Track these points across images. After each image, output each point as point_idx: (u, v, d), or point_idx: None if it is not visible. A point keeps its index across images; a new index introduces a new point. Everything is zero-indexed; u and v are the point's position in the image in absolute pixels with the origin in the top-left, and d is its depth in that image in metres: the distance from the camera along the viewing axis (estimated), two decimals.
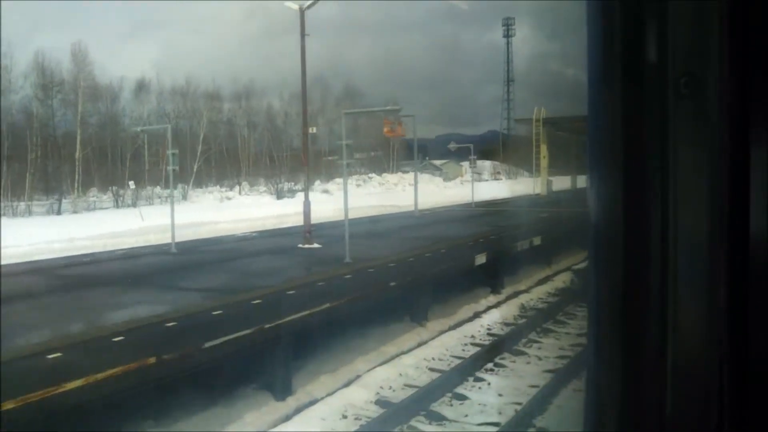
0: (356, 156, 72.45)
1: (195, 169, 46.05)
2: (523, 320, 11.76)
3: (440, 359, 9.42)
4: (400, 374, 8.61)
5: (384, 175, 61.57)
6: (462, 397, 7.93)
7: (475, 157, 33.63)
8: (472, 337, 10.60)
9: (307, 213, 15.31)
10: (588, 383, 0.90)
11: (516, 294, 13.69)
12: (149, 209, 36.85)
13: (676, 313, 0.83)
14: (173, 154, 14.82)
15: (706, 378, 0.82)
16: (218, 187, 50.21)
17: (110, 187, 45.60)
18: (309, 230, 15.18)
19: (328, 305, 8.89)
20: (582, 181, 41.35)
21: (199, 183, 56.61)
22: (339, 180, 61.09)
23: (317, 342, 8.58)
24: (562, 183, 44.59)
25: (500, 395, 7.96)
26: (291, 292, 9.74)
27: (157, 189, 46.58)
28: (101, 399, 5.73)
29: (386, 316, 10.29)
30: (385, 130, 21.69)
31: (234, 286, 10.33)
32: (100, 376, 5.65)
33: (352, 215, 25.96)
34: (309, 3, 15.95)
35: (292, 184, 63.60)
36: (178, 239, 15.59)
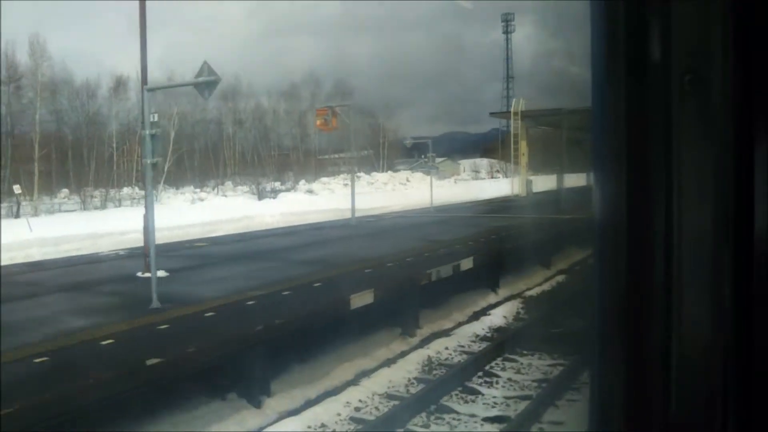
0: (344, 155, 70.13)
1: (166, 169, 44.03)
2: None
3: None
4: None
5: (373, 174, 59.02)
6: None
7: (434, 154, 30.86)
8: None
9: (149, 229, 9.26)
10: (592, 382, 0.90)
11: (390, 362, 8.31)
12: (110, 212, 34.79)
13: (680, 312, 0.83)
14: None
15: (711, 377, 0.82)
16: (192, 187, 48.06)
17: (81, 189, 43.78)
18: (147, 252, 9.48)
19: None
20: (570, 181, 38.26)
21: (182, 183, 54.66)
22: (325, 179, 58.61)
23: None
24: (549, 182, 41.73)
25: None
26: None
27: (126, 190, 44.69)
28: None
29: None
30: (318, 123, 18.22)
31: None
32: None
33: (287, 222, 23.25)
34: None
35: (278, 183, 61.51)
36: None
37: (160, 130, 10.03)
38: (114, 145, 43.46)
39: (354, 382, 7.49)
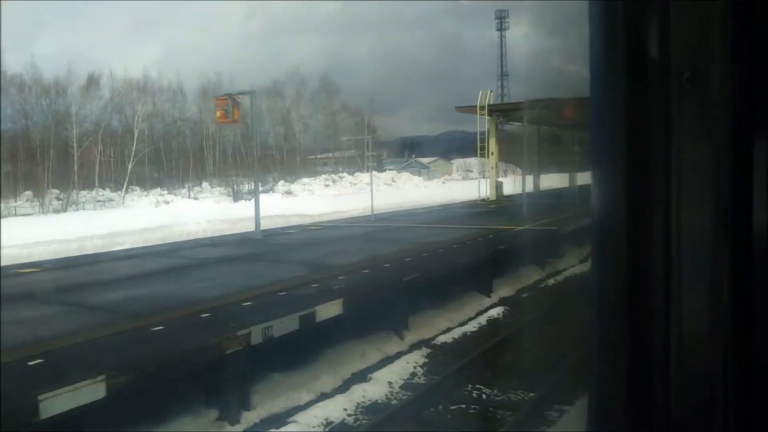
0: (333, 154, 67.88)
1: (129, 170, 42.01)
2: None
3: None
4: None
5: (357, 174, 56.58)
6: None
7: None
8: None
9: None
10: (592, 382, 0.89)
11: None
12: (69, 217, 32.74)
13: (680, 311, 0.82)
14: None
15: (711, 376, 0.81)
16: (159, 189, 45.88)
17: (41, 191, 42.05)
18: None
19: None
20: (549, 181, 35.72)
21: (159, 184, 52.84)
22: (306, 180, 56.24)
23: None
24: (527, 184, 39.18)
25: None
26: None
27: (84, 192, 42.67)
28: None
29: None
30: (218, 115, 15.26)
31: None
32: None
33: (212, 231, 20.65)
34: None
35: (260, 184, 59.27)
36: None
37: None
38: (74, 145, 41.49)
39: None
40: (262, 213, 27.49)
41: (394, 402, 6.82)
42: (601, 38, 0.85)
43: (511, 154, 53.06)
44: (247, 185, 53.07)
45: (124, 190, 41.51)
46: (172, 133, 54.82)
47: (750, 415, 0.79)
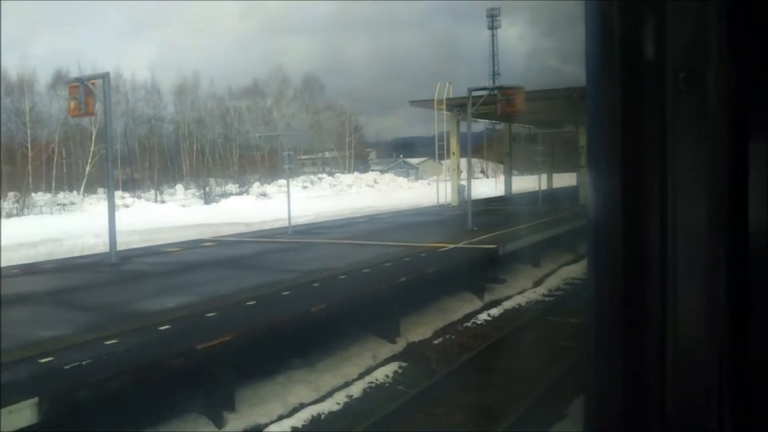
0: (320, 155, 65.31)
1: (87, 172, 39.74)
2: None
3: None
4: None
5: (337, 175, 54.00)
6: None
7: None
8: None
9: None
10: (588, 382, 0.88)
11: None
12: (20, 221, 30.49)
13: (675, 310, 0.81)
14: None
15: (707, 375, 0.81)
16: (121, 192, 43.57)
17: None
18: None
19: None
20: (523, 183, 32.87)
21: (132, 187, 50.69)
22: (282, 182, 53.78)
23: None
24: (497, 187, 36.49)
25: None
26: None
27: (38, 195, 40.52)
28: None
29: None
30: (71, 106, 12.46)
31: None
32: None
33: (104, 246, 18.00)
34: None
35: (237, 186, 57.08)
36: None
37: None
38: (28, 145, 39.28)
39: None
40: (188, 221, 24.94)
41: None
42: (597, 38, 0.84)
43: (500, 155, 50.63)
44: (218, 188, 50.71)
45: (81, 192, 39.20)
46: (145, 132, 52.65)
47: (746, 414, 0.78)
